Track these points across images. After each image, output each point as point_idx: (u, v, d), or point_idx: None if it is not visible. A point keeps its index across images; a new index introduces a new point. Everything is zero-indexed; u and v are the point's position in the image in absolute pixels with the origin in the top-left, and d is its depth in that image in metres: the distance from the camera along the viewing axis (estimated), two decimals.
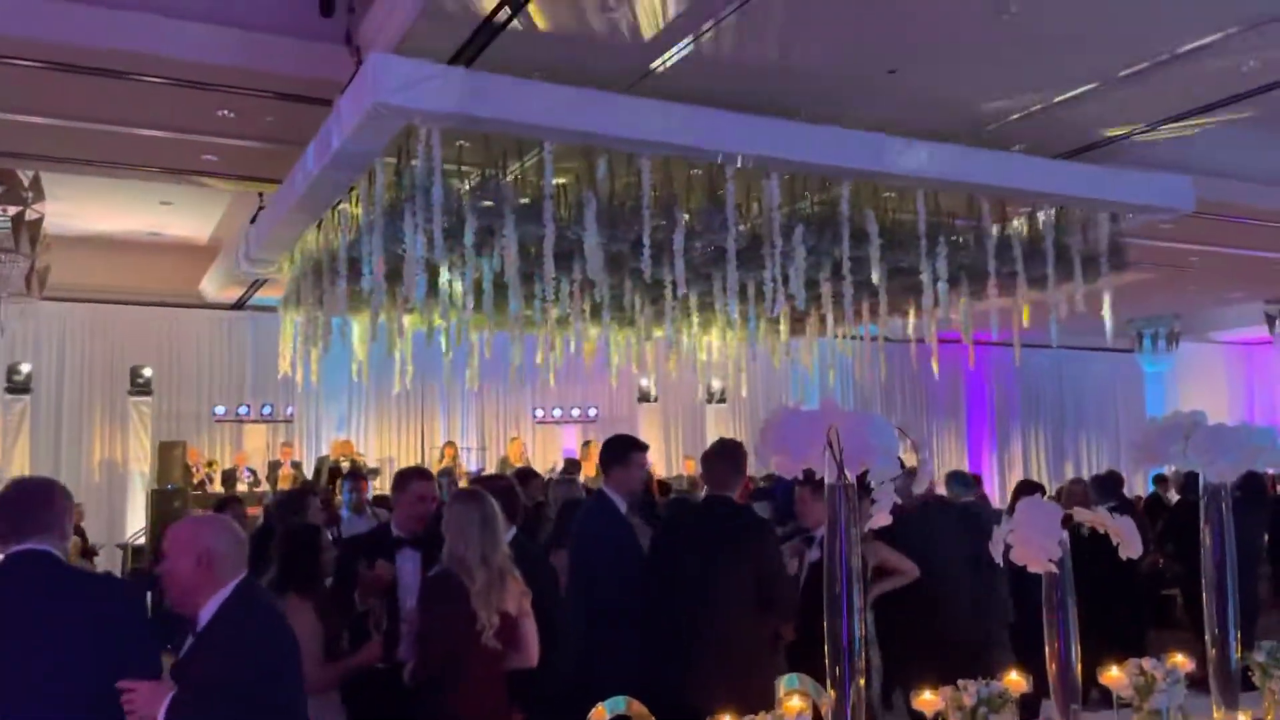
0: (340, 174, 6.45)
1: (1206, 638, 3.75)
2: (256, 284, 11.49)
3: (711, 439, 16.87)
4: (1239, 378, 19.70)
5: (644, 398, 15.35)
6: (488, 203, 5.96)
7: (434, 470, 10.01)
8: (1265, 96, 7.18)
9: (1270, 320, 15.99)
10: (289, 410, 13.75)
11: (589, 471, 11.85)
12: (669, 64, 6.45)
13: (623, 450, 4.79)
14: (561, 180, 6.46)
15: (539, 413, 15.20)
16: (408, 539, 4.22)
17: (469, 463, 13.67)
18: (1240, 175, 9.06)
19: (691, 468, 14.78)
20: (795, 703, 2.97)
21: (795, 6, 5.89)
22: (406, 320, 8.97)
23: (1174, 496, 9.93)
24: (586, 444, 14.76)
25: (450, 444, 13.77)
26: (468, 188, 6.31)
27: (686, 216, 6.24)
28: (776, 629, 4.34)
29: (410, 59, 5.54)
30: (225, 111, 7.09)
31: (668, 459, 15.41)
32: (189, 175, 8.64)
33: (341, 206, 7.48)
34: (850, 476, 3.03)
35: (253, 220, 9.20)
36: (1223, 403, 18.12)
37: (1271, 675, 3.61)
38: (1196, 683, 3.66)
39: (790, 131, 6.39)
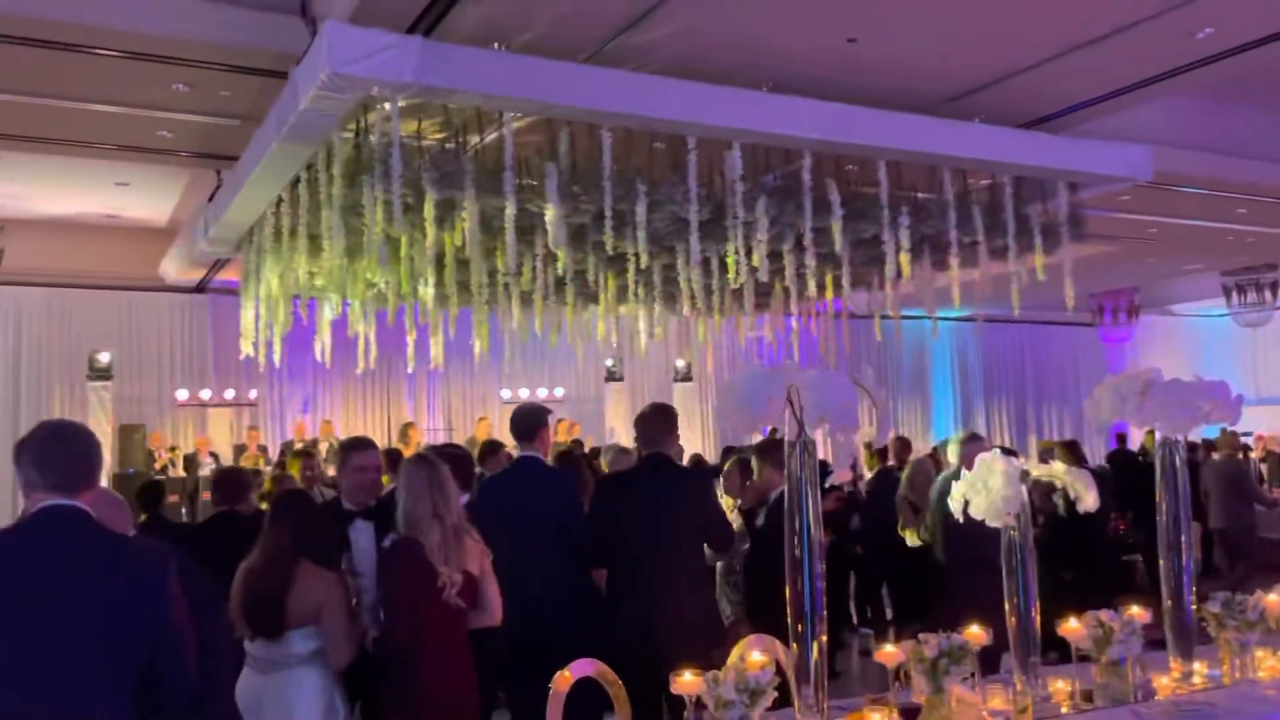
0: (296, 147, 6.35)
1: (1162, 591, 3.82)
2: (218, 265, 11.31)
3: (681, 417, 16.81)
4: (1197, 350, 20.03)
5: (611, 376, 15.32)
6: (448, 172, 5.89)
7: (405, 448, 9.94)
8: (1216, 65, 7.26)
9: (1227, 292, 16.20)
10: (252, 393, 13.62)
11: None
12: (631, 34, 6.42)
13: (541, 418, 4.96)
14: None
15: (506, 393, 15.15)
16: (358, 511, 4.15)
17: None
18: (1196, 146, 9.17)
19: None
20: (757, 657, 3.01)
21: None
22: (371, 298, 8.87)
23: None
24: (559, 422, 14.77)
25: (411, 424, 13.66)
26: (428, 160, 6.24)
27: (646, 188, 6.20)
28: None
29: (366, 29, 5.46)
30: (180, 86, 6.96)
31: None
32: (144, 152, 8.47)
33: (301, 182, 7.37)
34: (810, 433, 3.06)
35: (210, 199, 9.06)
36: (1182, 375, 18.39)
37: (1226, 626, 3.69)
38: (1154, 643, 3.73)
39: (751, 101, 6.37)
